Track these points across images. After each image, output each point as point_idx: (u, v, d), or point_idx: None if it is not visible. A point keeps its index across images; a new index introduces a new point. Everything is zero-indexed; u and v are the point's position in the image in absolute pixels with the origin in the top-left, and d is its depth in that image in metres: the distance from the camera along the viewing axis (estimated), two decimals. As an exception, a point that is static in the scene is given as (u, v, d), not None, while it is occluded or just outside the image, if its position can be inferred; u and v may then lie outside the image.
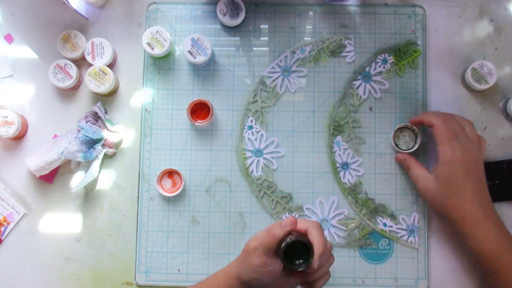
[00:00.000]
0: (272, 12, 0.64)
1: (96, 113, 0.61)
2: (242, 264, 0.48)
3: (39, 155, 0.59)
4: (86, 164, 0.62)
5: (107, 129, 0.62)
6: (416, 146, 0.60)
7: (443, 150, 0.54)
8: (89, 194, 0.62)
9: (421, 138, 0.60)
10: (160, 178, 0.61)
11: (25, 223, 0.62)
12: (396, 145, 0.61)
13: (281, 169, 0.62)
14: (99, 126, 0.61)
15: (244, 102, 0.63)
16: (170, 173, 0.61)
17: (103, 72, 0.60)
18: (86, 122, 0.60)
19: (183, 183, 0.60)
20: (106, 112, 0.63)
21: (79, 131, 0.60)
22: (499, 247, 0.52)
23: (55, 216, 0.62)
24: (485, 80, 0.60)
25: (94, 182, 0.62)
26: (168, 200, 0.62)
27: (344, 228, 0.61)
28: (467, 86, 0.62)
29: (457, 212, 0.53)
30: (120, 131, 0.62)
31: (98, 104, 0.62)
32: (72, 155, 0.59)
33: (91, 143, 0.60)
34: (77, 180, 0.62)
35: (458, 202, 0.53)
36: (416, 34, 0.63)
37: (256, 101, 0.63)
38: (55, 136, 0.62)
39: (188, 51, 0.60)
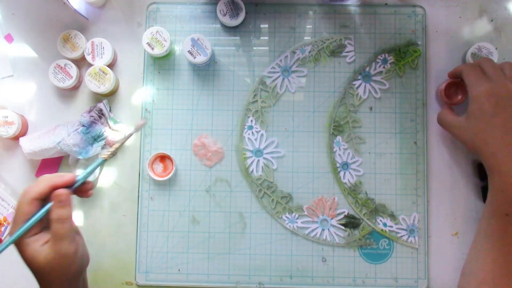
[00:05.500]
0: (272, 12, 0.64)
1: (100, 110, 0.61)
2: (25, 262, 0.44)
3: (35, 139, 0.59)
4: (84, 162, 0.62)
5: (110, 127, 0.62)
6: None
7: (470, 88, 0.53)
8: (89, 194, 0.62)
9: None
10: (152, 162, 0.61)
11: (25, 223, 0.62)
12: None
13: (281, 169, 0.62)
14: (102, 123, 0.61)
15: (244, 102, 0.63)
16: (162, 158, 0.61)
17: (103, 72, 0.60)
18: (90, 117, 0.61)
19: (174, 168, 0.60)
20: (110, 110, 0.63)
21: (82, 125, 0.60)
22: None
23: (55, 216, 0.62)
24: None
25: (94, 182, 0.62)
26: (168, 200, 0.62)
27: (344, 228, 0.61)
28: None
29: (487, 148, 0.52)
30: (122, 130, 0.62)
31: (104, 101, 0.62)
32: (68, 147, 0.58)
33: (91, 140, 0.60)
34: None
35: (488, 138, 0.52)
36: (416, 34, 0.63)
37: (256, 101, 0.63)
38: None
39: (188, 51, 0.60)
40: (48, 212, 0.45)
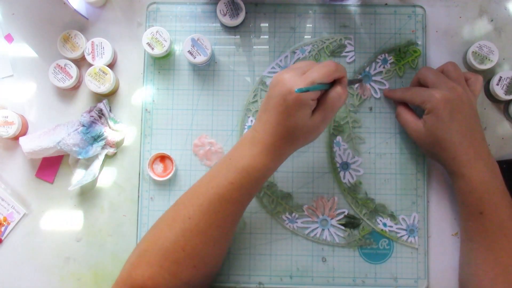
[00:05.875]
0: (272, 12, 0.64)
1: (101, 110, 0.61)
2: (288, 119, 0.48)
3: (35, 138, 0.59)
4: (85, 162, 0.62)
5: (109, 127, 0.62)
6: None
7: (426, 100, 0.54)
8: (89, 194, 0.62)
9: None
10: (152, 162, 0.61)
11: (25, 223, 0.62)
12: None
13: (281, 169, 0.62)
14: (102, 123, 0.61)
15: (244, 102, 0.63)
16: (162, 158, 0.61)
17: (103, 72, 0.60)
18: (90, 117, 0.61)
19: (174, 168, 0.60)
20: (110, 110, 0.63)
21: (82, 125, 0.60)
22: (488, 187, 0.52)
23: (55, 216, 0.62)
24: (489, 59, 0.60)
25: (93, 182, 0.62)
26: (168, 200, 0.62)
27: (344, 228, 0.61)
28: (469, 67, 0.62)
29: (447, 155, 0.54)
30: (122, 130, 0.62)
31: (104, 101, 0.62)
32: (68, 147, 0.59)
33: (91, 140, 0.60)
34: (77, 178, 0.62)
35: (447, 145, 0.53)
36: (416, 34, 0.63)
37: (256, 101, 0.63)
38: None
39: (188, 51, 0.60)
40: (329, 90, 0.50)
